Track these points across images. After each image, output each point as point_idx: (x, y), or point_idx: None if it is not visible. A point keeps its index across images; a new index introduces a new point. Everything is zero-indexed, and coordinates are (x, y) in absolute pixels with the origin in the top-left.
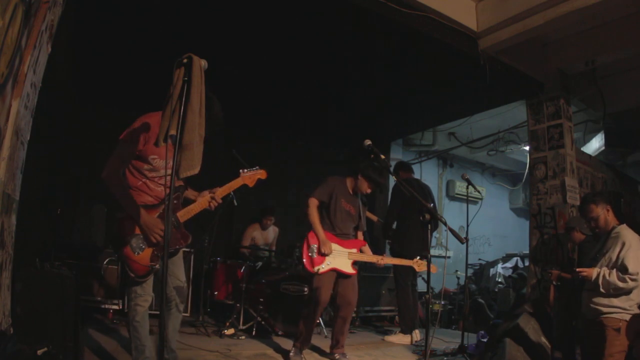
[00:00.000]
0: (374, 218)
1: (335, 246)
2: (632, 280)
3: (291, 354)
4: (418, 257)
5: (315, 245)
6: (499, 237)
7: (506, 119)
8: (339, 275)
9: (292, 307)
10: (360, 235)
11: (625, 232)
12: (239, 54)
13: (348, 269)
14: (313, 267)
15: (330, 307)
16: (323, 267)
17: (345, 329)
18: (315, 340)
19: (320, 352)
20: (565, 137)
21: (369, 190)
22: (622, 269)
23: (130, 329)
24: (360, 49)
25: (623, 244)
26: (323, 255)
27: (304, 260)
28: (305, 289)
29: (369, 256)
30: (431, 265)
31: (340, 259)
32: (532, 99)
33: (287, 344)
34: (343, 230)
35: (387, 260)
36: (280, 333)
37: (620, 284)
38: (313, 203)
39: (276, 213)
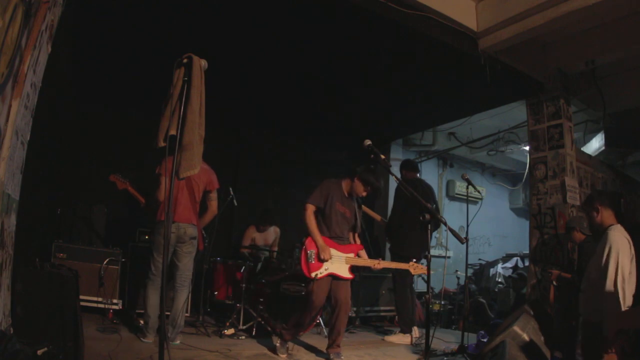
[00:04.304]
0: (377, 217)
1: (333, 251)
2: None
3: (277, 344)
4: (414, 260)
5: (314, 251)
6: (499, 237)
7: (506, 119)
8: (334, 277)
9: (292, 307)
10: (356, 237)
11: (612, 234)
12: (239, 54)
13: (345, 273)
14: (310, 272)
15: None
16: (321, 272)
17: (341, 330)
18: (314, 340)
19: (317, 351)
20: (565, 137)
21: (364, 194)
22: (603, 276)
23: None
24: (360, 50)
25: (609, 249)
26: (322, 261)
27: (302, 266)
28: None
29: (365, 260)
30: (425, 267)
31: (337, 264)
32: (532, 99)
33: None
34: (338, 233)
35: (384, 264)
36: None
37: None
38: (309, 209)
39: (274, 220)
